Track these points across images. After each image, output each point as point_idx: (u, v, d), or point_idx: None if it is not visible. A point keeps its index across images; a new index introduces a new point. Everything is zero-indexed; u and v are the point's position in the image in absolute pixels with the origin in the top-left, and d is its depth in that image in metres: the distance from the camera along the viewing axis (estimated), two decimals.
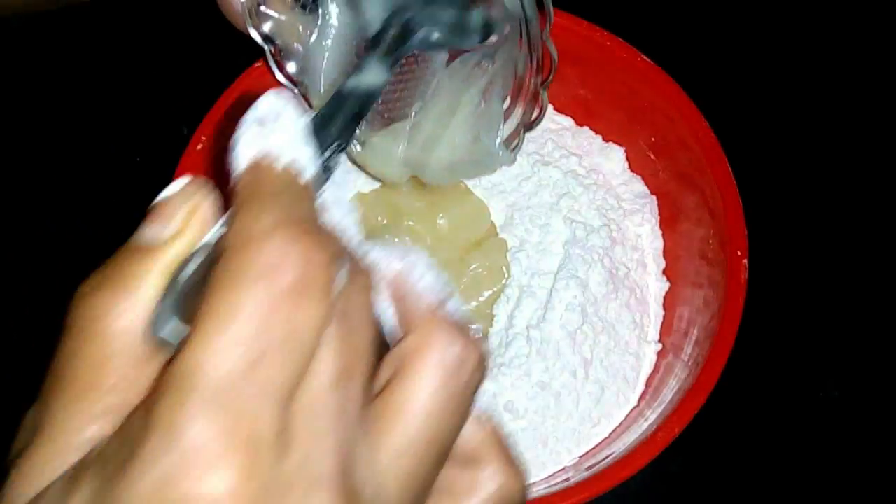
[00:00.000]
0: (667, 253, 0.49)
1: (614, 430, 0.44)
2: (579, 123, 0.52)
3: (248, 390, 0.18)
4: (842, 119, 0.58)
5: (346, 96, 0.29)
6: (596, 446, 0.44)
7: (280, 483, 0.18)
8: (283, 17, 0.40)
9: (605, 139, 0.52)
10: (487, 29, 0.39)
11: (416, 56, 0.40)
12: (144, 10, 0.59)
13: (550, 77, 0.40)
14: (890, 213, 0.55)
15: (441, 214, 0.47)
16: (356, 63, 0.32)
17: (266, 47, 0.41)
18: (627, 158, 0.51)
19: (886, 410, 0.50)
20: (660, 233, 0.50)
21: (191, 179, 0.22)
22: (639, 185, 0.51)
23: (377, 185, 0.49)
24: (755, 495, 0.48)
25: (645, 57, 0.47)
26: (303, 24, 0.40)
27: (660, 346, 0.47)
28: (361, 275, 0.21)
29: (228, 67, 0.45)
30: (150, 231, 0.22)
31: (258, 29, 0.40)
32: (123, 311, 0.20)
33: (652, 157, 0.49)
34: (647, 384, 0.46)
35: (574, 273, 0.46)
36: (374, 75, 0.31)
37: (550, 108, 0.52)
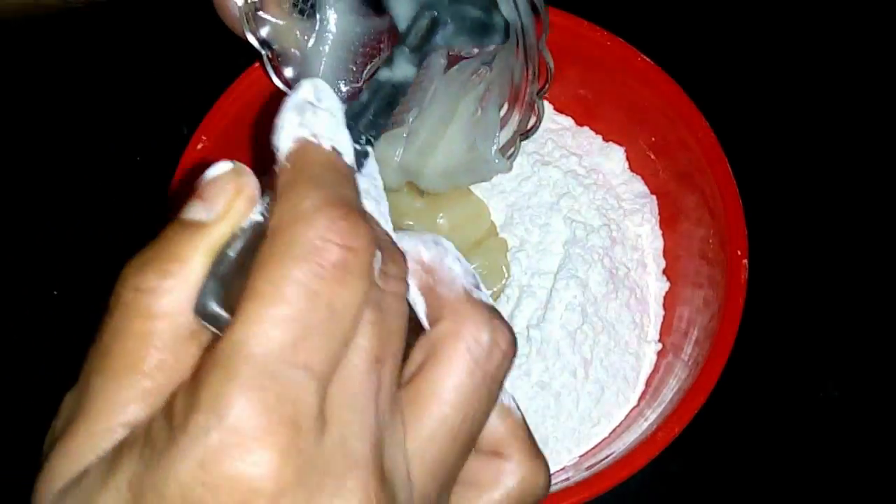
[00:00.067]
0: (667, 253, 0.49)
1: (614, 430, 0.44)
2: (579, 123, 0.52)
3: (291, 369, 0.18)
4: (842, 119, 0.58)
5: (377, 89, 0.29)
6: (596, 446, 0.44)
7: (317, 464, 0.18)
8: (280, 22, 0.40)
9: (605, 139, 0.52)
10: (509, 29, 0.39)
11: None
12: (144, 12, 0.59)
13: (547, 85, 0.41)
14: (890, 213, 0.55)
15: (441, 214, 0.47)
16: (386, 57, 0.32)
17: (263, 52, 0.41)
18: (627, 158, 0.51)
19: (886, 410, 0.50)
20: (660, 233, 0.50)
21: (234, 162, 0.22)
22: (639, 185, 0.51)
23: None
24: (755, 495, 0.48)
25: (645, 57, 0.47)
26: (300, 29, 0.40)
27: (660, 346, 0.47)
28: (395, 261, 0.22)
29: (228, 68, 0.45)
30: (197, 210, 0.21)
31: (255, 33, 0.40)
32: (169, 290, 0.20)
33: (652, 156, 0.49)
34: (647, 384, 0.46)
35: (574, 273, 0.46)
36: (403, 69, 0.31)
37: (550, 107, 0.52)
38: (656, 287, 0.48)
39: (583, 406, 0.44)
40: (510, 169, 0.43)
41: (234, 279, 0.20)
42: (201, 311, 0.20)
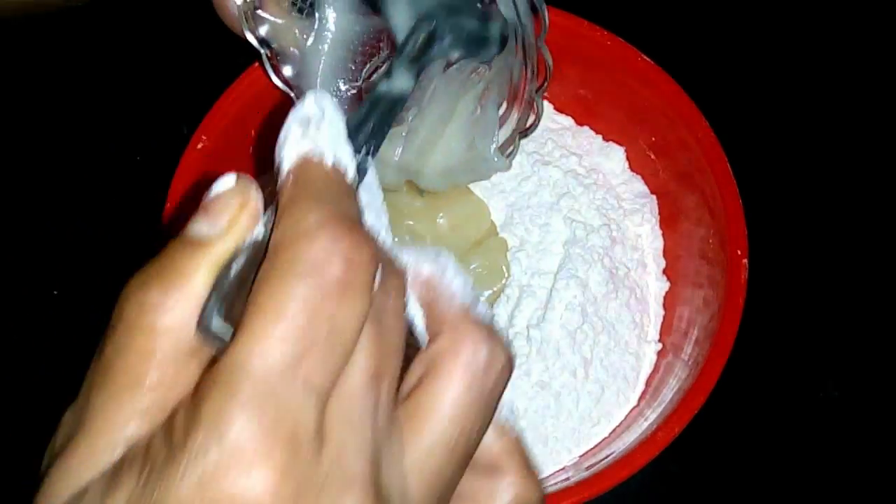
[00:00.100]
0: (667, 252, 0.49)
1: (614, 430, 0.44)
2: (579, 123, 0.52)
3: (291, 387, 0.18)
4: (842, 119, 0.58)
5: (377, 101, 0.29)
6: (596, 446, 0.44)
7: (315, 482, 0.18)
8: (279, 21, 0.40)
9: (605, 139, 0.52)
10: (504, 40, 0.40)
11: None
12: (144, 11, 0.59)
13: (546, 83, 0.41)
14: (890, 213, 0.55)
15: (441, 214, 0.47)
16: (385, 69, 0.33)
17: (262, 51, 0.41)
18: (627, 158, 0.51)
19: (886, 410, 0.50)
20: (660, 232, 0.50)
21: (239, 176, 0.22)
22: (639, 185, 0.51)
23: None
24: (755, 495, 0.48)
25: (645, 57, 0.47)
26: (299, 28, 0.40)
27: (660, 346, 0.47)
28: (395, 276, 0.22)
29: (228, 67, 0.45)
30: (201, 226, 0.22)
31: (254, 32, 0.40)
32: (172, 307, 0.20)
33: (652, 156, 0.49)
34: (647, 384, 0.46)
35: (574, 273, 0.46)
36: (402, 81, 0.32)
37: (550, 107, 0.52)
38: (656, 287, 0.48)
39: (583, 406, 0.44)
40: (509, 167, 0.43)
41: (237, 293, 0.20)
42: (204, 327, 0.20)
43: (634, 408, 0.45)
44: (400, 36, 0.37)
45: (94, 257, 0.52)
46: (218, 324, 0.20)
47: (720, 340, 0.40)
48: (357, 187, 0.23)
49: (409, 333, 0.23)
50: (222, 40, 0.42)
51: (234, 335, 0.19)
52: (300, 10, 0.40)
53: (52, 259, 0.52)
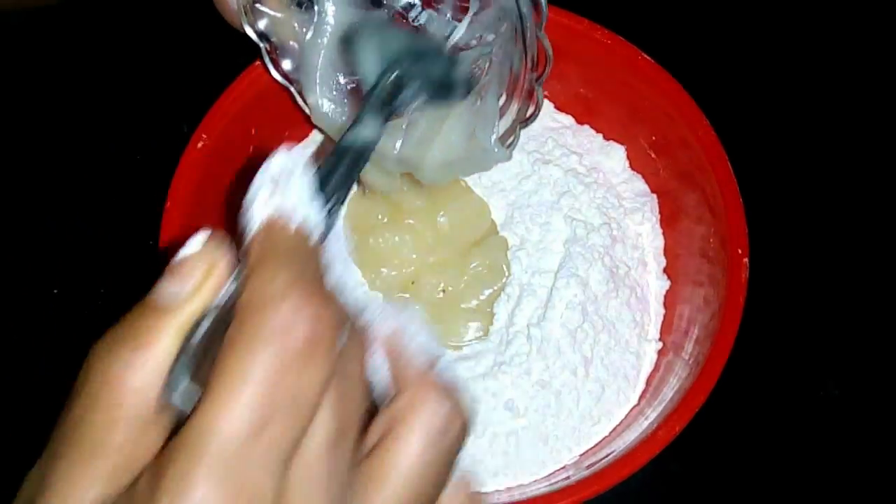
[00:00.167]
0: (667, 251, 0.49)
1: (615, 429, 0.44)
2: (580, 122, 0.52)
3: (253, 455, 0.19)
4: (842, 118, 0.58)
5: (344, 151, 0.30)
6: (596, 445, 0.44)
7: None
8: (278, 15, 0.40)
9: (606, 137, 0.52)
10: (470, 83, 0.40)
11: None
12: (144, 9, 0.59)
13: (546, 73, 0.40)
14: (890, 213, 0.55)
15: (441, 213, 0.47)
16: (353, 118, 0.33)
17: (261, 45, 0.41)
18: (628, 157, 0.51)
19: (886, 410, 0.50)
20: (660, 231, 0.50)
21: (209, 235, 0.23)
22: (639, 184, 0.51)
23: None
24: (755, 495, 0.48)
25: (646, 55, 0.47)
26: (298, 21, 0.40)
27: (660, 345, 0.47)
28: (359, 336, 0.23)
29: (228, 66, 0.45)
30: (168, 289, 0.22)
31: (253, 26, 0.40)
32: (137, 372, 0.21)
33: (652, 155, 0.49)
34: (648, 383, 0.46)
35: (574, 271, 0.46)
36: (370, 129, 0.32)
37: (551, 106, 0.52)
38: (657, 286, 0.48)
39: (583, 404, 0.44)
40: (510, 158, 0.43)
41: (205, 352, 0.21)
42: (171, 390, 0.21)
43: (635, 406, 0.45)
44: (368, 82, 0.37)
45: (94, 257, 0.52)
46: (185, 386, 0.21)
47: (721, 339, 0.40)
48: (324, 241, 0.24)
49: (371, 390, 0.24)
50: (222, 39, 0.42)
51: (200, 400, 0.19)
52: (299, 4, 0.40)
53: (52, 259, 0.52)
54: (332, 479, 0.20)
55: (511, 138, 0.42)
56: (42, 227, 0.53)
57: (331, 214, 0.26)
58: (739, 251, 0.42)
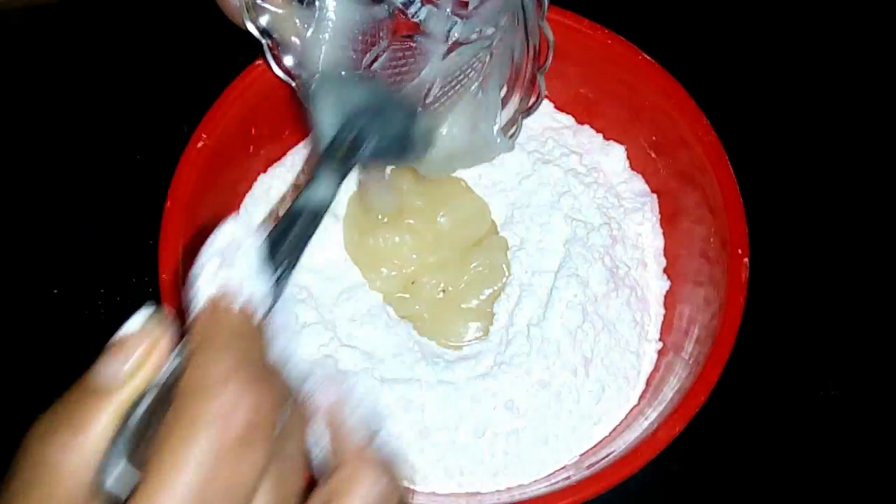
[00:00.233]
0: (667, 251, 0.49)
1: (615, 429, 0.44)
2: (580, 122, 0.52)
3: None
4: (842, 118, 0.58)
5: (296, 214, 0.29)
6: (596, 445, 0.44)
7: None
8: (279, 11, 0.40)
9: (606, 137, 0.52)
10: (429, 138, 0.40)
11: (414, 46, 0.40)
12: (145, 8, 0.59)
13: (548, 61, 0.40)
14: (890, 213, 0.55)
15: (442, 213, 0.47)
16: (308, 179, 0.32)
17: (263, 41, 0.41)
18: (628, 157, 0.51)
19: (886, 410, 0.50)
20: (660, 231, 0.50)
21: (151, 313, 0.23)
22: (639, 184, 0.51)
23: None
24: (755, 495, 0.48)
25: (646, 55, 0.47)
26: (300, 17, 0.40)
27: (660, 345, 0.47)
28: (301, 409, 0.23)
29: (229, 66, 0.45)
30: (107, 370, 0.22)
31: (255, 23, 0.40)
32: (72, 455, 0.21)
33: (652, 155, 0.49)
34: (648, 383, 0.46)
35: (574, 271, 0.46)
36: (324, 189, 0.32)
37: (551, 106, 0.52)
38: (657, 286, 0.48)
39: (583, 404, 0.44)
40: (512, 148, 0.43)
41: (144, 431, 0.21)
42: (106, 474, 0.21)
43: (635, 407, 0.45)
44: (325, 140, 0.36)
45: (94, 256, 0.51)
46: (121, 469, 0.21)
47: (721, 339, 0.40)
48: (272, 308, 0.24)
49: (313, 459, 0.25)
50: (223, 38, 0.42)
51: (137, 486, 0.19)
52: (300, 0, 0.40)
53: (52, 259, 0.52)
54: None
55: (513, 128, 0.42)
56: (42, 227, 0.53)
57: (280, 282, 0.26)
58: (739, 251, 0.42)
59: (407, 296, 0.47)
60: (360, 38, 0.40)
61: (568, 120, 0.52)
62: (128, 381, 0.22)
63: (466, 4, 0.39)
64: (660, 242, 0.49)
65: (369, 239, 0.46)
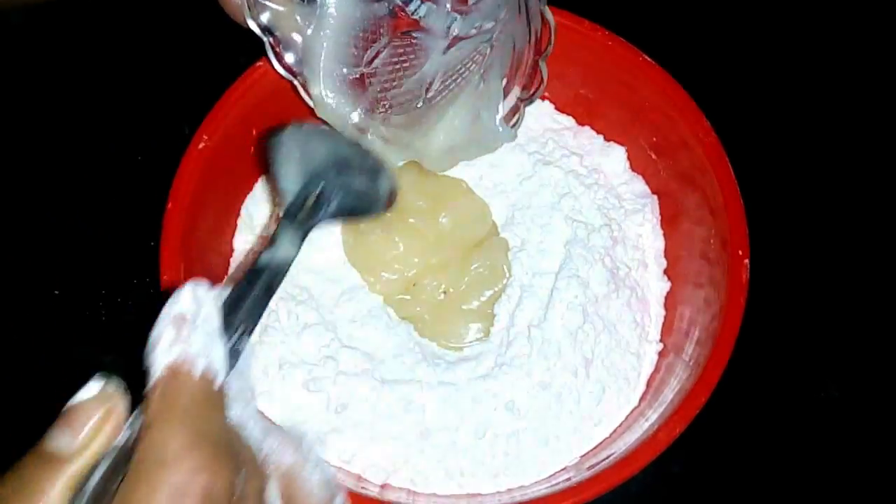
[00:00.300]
0: (668, 253, 0.49)
1: (615, 430, 0.44)
2: (580, 123, 0.52)
3: None
4: (842, 119, 0.58)
5: (257, 273, 0.29)
6: (597, 446, 0.44)
7: None
8: (281, 8, 0.40)
9: (607, 139, 0.52)
10: (392, 196, 0.40)
11: (414, 42, 0.40)
12: (146, 9, 0.59)
13: (550, 46, 0.40)
14: (890, 213, 0.55)
15: (443, 214, 0.47)
16: (270, 237, 0.32)
17: (265, 39, 0.41)
18: (628, 158, 0.51)
19: (886, 410, 0.50)
20: (661, 232, 0.50)
21: (105, 382, 0.22)
22: (640, 185, 0.51)
23: None
24: (756, 495, 0.48)
25: (646, 56, 0.47)
26: (301, 14, 0.40)
27: (661, 346, 0.47)
28: (257, 476, 0.23)
29: (230, 67, 0.45)
30: (60, 439, 0.22)
31: (256, 20, 0.40)
32: None
33: (653, 156, 0.49)
34: (648, 384, 0.46)
35: (575, 272, 0.46)
36: (286, 248, 0.31)
37: (552, 107, 0.52)
38: (657, 287, 0.48)
39: (584, 406, 0.44)
40: (515, 137, 0.43)
41: (101, 498, 0.21)
42: None
43: (635, 408, 0.45)
44: (287, 196, 0.36)
45: (95, 257, 0.51)
46: None
47: (721, 341, 0.40)
48: (230, 370, 0.24)
49: None
50: (224, 40, 0.42)
51: None
52: None
53: (52, 259, 0.52)
54: None
55: (515, 117, 0.42)
56: (43, 228, 0.53)
57: (238, 343, 0.26)
58: (740, 252, 0.42)
59: (408, 297, 0.47)
60: (360, 34, 0.40)
61: (568, 121, 0.52)
62: (82, 450, 0.21)
63: (466, 0, 0.39)
64: (660, 243, 0.49)
65: (370, 240, 0.46)
